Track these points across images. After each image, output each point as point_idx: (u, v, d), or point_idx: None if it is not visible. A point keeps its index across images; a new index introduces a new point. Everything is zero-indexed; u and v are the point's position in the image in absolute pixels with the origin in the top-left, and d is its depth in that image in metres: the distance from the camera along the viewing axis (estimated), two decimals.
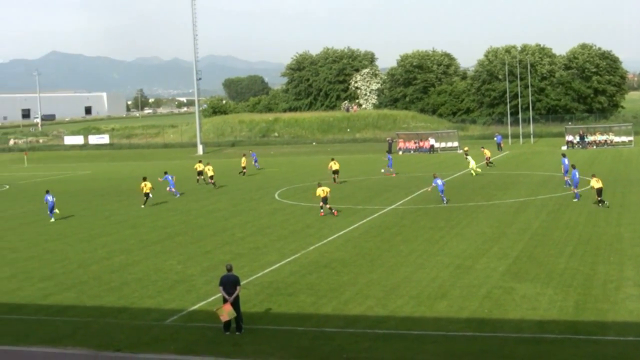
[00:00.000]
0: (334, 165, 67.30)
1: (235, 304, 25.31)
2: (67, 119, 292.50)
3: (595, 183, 48.07)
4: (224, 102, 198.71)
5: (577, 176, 51.74)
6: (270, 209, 53.88)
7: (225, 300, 25.31)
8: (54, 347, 24.87)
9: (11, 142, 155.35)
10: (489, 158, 77.10)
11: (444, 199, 52.20)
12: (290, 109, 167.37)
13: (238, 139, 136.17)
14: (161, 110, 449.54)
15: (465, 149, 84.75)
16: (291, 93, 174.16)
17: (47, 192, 55.01)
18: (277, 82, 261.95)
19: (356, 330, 25.20)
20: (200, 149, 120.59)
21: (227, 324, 25.24)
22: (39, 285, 33.69)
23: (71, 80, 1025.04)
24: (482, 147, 79.83)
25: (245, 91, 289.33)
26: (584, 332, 24.09)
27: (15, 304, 30.70)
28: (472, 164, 70.43)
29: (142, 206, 57.57)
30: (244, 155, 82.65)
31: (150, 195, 58.19)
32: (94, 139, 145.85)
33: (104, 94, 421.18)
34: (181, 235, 44.79)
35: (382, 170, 73.63)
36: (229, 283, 25.52)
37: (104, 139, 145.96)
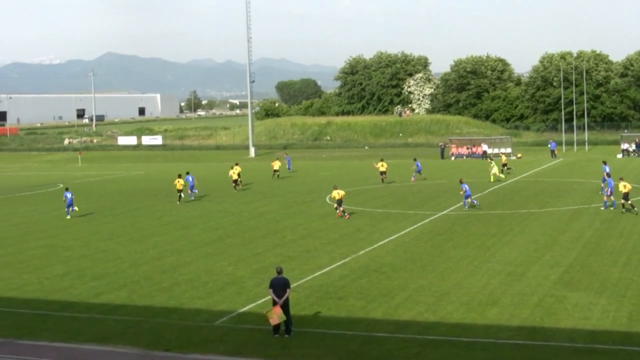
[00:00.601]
0: (382, 167, 68.77)
1: (285, 307, 25.33)
2: (116, 119, 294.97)
3: (623, 188, 48.47)
4: (276, 104, 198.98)
5: (612, 184, 51.03)
6: (321, 212, 53.88)
7: (275, 303, 25.34)
8: (105, 345, 25.10)
9: (66, 141, 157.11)
10: (505, 164, 76.89)
11: (474, 202, 52.70)
12: (343, 113, 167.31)
13: (290, 142, 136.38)
14: (214, 112, 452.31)
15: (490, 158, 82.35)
16: (344, 97, 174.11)
17: (67, 189, 56.20)
18: (330, 86, 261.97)
19: (406, 335, 25.10)
20: (252, 152, 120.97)
21: (277, 327, 25.26)
22: (91, 283, 34.02)
23: (125, 81, 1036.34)
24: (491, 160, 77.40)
25: (298, 94, 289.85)
26: (638, 344, 23.76)
27: (68, 301, 31.02)
28: (495, 169, 70.08)
29: (178, 203, 60.28)
30: (277, 158, 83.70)
31: (182, 194, 60.83)
32: (147, 140, 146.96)
33: (158, 95, 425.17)
34: (232, 237, 44.96)
35: (413, 179, 71.74)
36: (279, 286, 25.55)
37: (157, 140, 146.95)
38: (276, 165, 79.75)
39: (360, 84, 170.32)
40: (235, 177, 69.14)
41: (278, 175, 79.01)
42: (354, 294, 30.34)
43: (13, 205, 63.96)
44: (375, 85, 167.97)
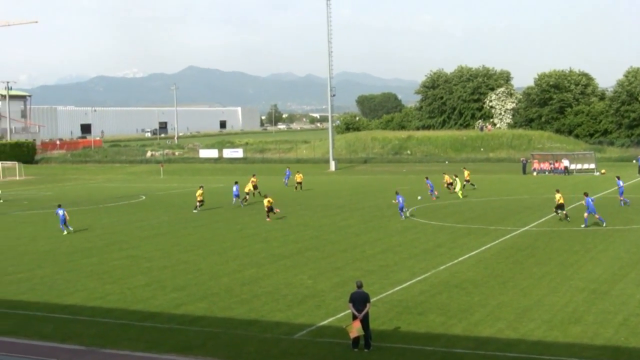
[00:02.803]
0: (449, 179, 72.66)
1: (365, 321, 25.26)
2: (186, 133, 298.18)
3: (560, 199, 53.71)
4: (357, 118, 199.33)
5: (592, 203, 51.53)
6: (401, 227, 53.66)
7: (354, 317, 25.29)
8: (184, 355, 25.31)
9: (148, 154, 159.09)
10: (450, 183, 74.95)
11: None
12: (424, 127, 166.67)
13: (370, 156, 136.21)
14: (294, 125, 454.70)
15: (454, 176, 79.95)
16: (425, 111, 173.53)
17: (59, 206, 56.65)
18: (410, 100, 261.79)
19: (486, 352, 24.82)
20: (332, 165, 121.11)
21: (356, 341, 25.20)
22: (171, 294, 34.36)
23: (207, 94, 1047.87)
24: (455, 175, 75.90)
25: (379, 108, 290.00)
26: None
27: (149, 312, 31.37)
28: (458, 186, 71.67)
29: (194, 211, 64.98)
30: (298, 172, 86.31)
31: (201, 203, 65.80)
32: (228, 153, 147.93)
33: (239, 109, 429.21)
34: (312, 250, 45.02)
35: (419, 198, 68.22)
36: (359, 300, 25.49)
37: (238, 153, 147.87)
38: (298, 178, 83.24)
39: (441, 98, 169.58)
40: (248, 187, 72.40)
41: (301, 188, 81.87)
42: (434, 310, 30.12)
43: (97, 216, 65.02)
44: (456, 99, 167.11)
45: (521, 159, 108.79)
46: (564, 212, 53.73)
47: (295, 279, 36.78)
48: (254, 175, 77.24)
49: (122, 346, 26.55)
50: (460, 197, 70.58)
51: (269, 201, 59.28)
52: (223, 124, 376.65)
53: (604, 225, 50.63)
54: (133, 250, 46.92)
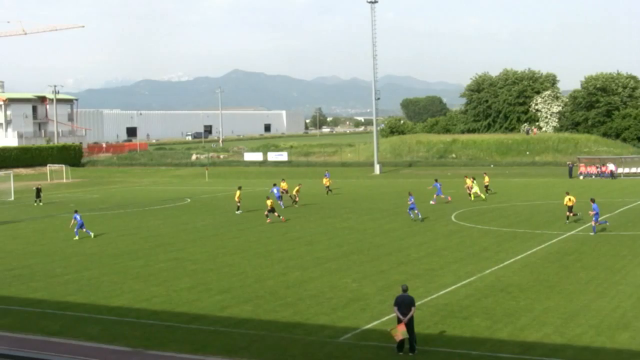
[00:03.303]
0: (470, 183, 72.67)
1: (410, 325, 25.19)
2: (231, 136, 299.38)
3: (568, 201, 55.15)
4: (401, 122, 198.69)
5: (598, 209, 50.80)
6: (447, 230, 53.47)
7: (399, 321, 25.23)
8: (230, 358, 25.38)
9: (193, 157, 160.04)
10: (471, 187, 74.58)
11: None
12: (469, 131, 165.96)
13: (415, 160, 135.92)
14: (339, 129, 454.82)
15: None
16: (470, 114, 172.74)
17: (76, 211, 56.62)
18: (455, 103, 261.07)
19: (532, 357, 24.64)
20: (377, 169, 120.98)
21: (401, 344, 25.14)
22: (217, 297, 34.50)
23: (252, 97, 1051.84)
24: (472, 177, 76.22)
25: (423, 111, 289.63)
26: None
27: (195, 314, 31.52)
28: (475, 189, 72.25)
29: (237, 212, 66.40)
30: (283, 180, 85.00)
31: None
32: (272, 156, 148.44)
33: (283, 112, 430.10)
34: (356, 253, 44.97)
35: (432, 202, 69.74)
36: (404, 303, 25.43)
37: (283, 156, 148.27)
38: (326, 182, 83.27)
39: (486, 101, 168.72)
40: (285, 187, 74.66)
41: (331, 191, 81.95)
42: (479, 314, 29.96)
43: (143, 219, 65.49)
44: (501, 102, 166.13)
45: (567, 162, 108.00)
46: (572, 213, 55.33)
47: (340, 282, 36.76)
48: (283, 180, 77.59)
49: (167, 348, 26.70)
50: (472, 199, 71.41)
51: (271, 203, 60.76)
52: (268, 127, 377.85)
53: (607, 224, 51.34)
54: (178, 252, 47.19)
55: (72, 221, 55.42)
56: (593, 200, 51.68)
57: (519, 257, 42.23)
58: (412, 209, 58.84)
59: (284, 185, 75.24)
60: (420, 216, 58.29)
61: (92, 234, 54.93)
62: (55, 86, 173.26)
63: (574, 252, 43.45)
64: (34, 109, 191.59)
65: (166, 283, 37.87)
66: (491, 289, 34.22)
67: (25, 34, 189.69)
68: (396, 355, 25.09)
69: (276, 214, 60.73)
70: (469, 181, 74.64)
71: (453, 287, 34.97)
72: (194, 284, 37.58)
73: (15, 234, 56.80)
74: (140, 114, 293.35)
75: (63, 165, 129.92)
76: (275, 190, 70.66)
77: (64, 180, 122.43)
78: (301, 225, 58.04)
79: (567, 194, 56.61)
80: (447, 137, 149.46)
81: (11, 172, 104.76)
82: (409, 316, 25.20)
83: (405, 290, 25.97)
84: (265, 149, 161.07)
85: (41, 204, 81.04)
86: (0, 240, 55.44)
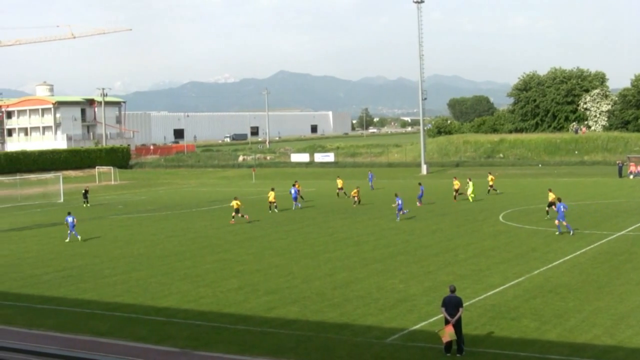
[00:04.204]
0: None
1: (457, 326, 25.05)
2: (277, 137, 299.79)
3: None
4: (448, 122, 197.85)
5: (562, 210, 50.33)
6: (494, 230, 53.10)
7: (447, 322, 25.10)
8: (277, 359, 25.40)
9: (240, 158, 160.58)
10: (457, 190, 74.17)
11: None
12: (516, 130, 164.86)
13: (462, 160, 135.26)
14: (385, 129, 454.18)
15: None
16: (517, 114, 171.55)
17: (69, 213, 57.05)
18: (502, 103, 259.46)
19: (582, 359, 24.35)
20: (424, 169, 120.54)
21: (449, 346, 25.00)
22: (264, 298, 34.56)
23: (298, 98, 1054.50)
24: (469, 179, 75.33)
25: (470, 111, 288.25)
26: None
27: (242, 315, 31.60)
28: (470, 190, 72.19)
29: (270, 211, 68.45)
30: (339, 177, 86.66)
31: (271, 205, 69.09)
32: (319, 157, 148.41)
33: (330, 113, 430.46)
34: (403, 254, 44.82)
35: (418, 204, 69.87)
36: (452, 304, 25.29)
37: (329, 157, 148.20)
38: (340, 183, 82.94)
39: (534, 100, 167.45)
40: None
41: (345, 194, 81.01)
42: (528, 315, 29.70)
43: (190, 220, 65.81)
44: (549, 102, 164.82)
45: (617, 161, 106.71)
46: (550, 208, 57.27)
47: (387, 283, 36.66)
48: (296, 182, 77.81)
49: (215, 349, 26.80)
50: (471, 200, 71.55)
51: (237, 203, 62.34)
52: (314, 128, 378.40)
53: (572, 234, 49.65)
54: (225, 253, 47.36)
55: (65, 223, 56.63)
56: (560, 200, 51.74)
57: (568, 257, 41.80)
58: (400, 210, 60.08)
59: (297, 185, 76.17)
60: (399, 218, 60.02)
61: (78, 238, 55.63)
62: (103, 89, 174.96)
63: (624, 252, 42.91)
64: (83, 112, 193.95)
65: (213, 284, 38.02)
66: (540, 290, 33.91)
67: (74, 37, 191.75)
68: (444, 357, 24.95)
69: (240, 214, 62.25)
70: (456, 183, 74.91)
71: (501, 287, 34.71)
72: (241, 284, 37.69)
73: (64, 235, 57.33)
74: (187, 115, 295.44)
75: (111, 167, 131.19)
76: (292, 191, 72.65)
77: (112, 182, 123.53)
78: (348, 226, 57.98)
79: (550, 190, 59.07)
80: (495, 137, 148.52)
81: (60, 174, 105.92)
82: (456, 317, 25.06)
83: (452, 291, 25.83)
84: (311, 150, 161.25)
85: (88, 205, 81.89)
86: (50, 241, 56.08)
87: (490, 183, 78.72)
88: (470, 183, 73.16)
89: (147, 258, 46.78)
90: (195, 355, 26.27)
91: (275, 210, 68.61)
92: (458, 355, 24.98)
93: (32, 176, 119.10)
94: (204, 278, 39.71)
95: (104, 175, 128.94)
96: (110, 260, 46.33)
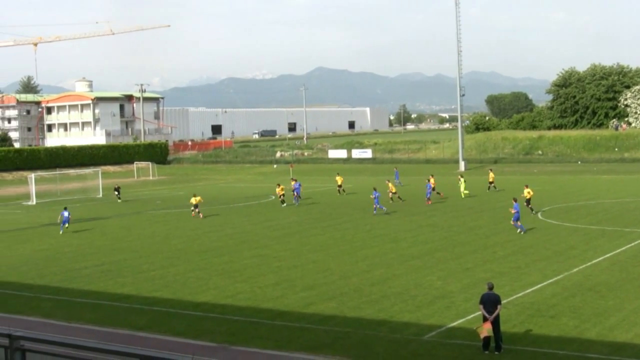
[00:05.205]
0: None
1: (495, 323, 24.92)
2: (306, 133, 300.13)
3: (527, 194, 59.60)
4: (486, 118, 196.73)
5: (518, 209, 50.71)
6: (533, 228, 52.72)
7: (485, 319, 24.97)
8: (314, 354, 25.43)
9: (278, 154, 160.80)
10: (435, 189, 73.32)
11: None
12: (555, 127, 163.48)
13: (500, 156, 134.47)
14: (423, 125, 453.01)
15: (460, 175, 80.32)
16: (556, 110, 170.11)
17: (65, 208, 58.52)
18: (541, 99, 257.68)
19: (622, 358, 24.15)
20: (462, 166, 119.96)
21: (487, 343, 24.88)
22: (301, 293, 34.59)
23: (335, 95, 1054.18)
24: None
25: (508, 108, 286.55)
26: None
27: (279, 310, 31.65)
28: (462, 187, 73.24)
29: (283, 205, 71.08)
30: (338, 174, 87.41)
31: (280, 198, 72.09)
32: (357, 153, 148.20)
33: (367, 109, 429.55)
34: (441, 251, 44.67)
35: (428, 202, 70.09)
36: (490, 301, 25.17)
37: (367, 153, 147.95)
38: (339, 180, 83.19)
39: (574, 97, 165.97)
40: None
41: (344, 191, 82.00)
42: (567, 313, 29.47)
43: (228, 216, 66.04)
44: (589, 98, 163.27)
45: None
46: (530, 206, 59.49)
47: (424, 280, 36.55)
48: (294, 179, 79.15)
49: (252, 344, 26.87)
50: (463, 197, 72.32)
51: (197, 199, 65.18)
52: (352, 125, 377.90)
53: (522, 233, 49.71)
54: (263, 249, 47.46)
55: (60, 217, 57.98)
56: (515, 200, 51.92)
57: (608, 255, 41.44)
58: (376, 202, 62.36)
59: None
60: (376, 212, 62.16)
61: (61, 232, 57.26)
62: (142, 85, 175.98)
63: None
64: (122, 108, 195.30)
65: (251, 279, 38.11)
66: (579, 288, 33.65)
67: (113, 34, 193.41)
68: (482, 354, 24.84)
69: (197, 209, 65.01)
70: (491, 175, 78.30)
71: (539, 285, 34.48)
72: (278, 280, 37.75)
73: (103, 230, 57.76)
74: (225, 111, 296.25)
75: (149, 163, 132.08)
76: (297, 185, 74.90)
77: (150, 178, 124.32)
78: (386, 223, 57.88)
79: (526, 187, 61.12)
80: (533, 134, 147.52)
81: (99, 169, 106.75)
82: (494, 314, 24.94)
83: (490, 288, 25.71)
84: (349, 146, 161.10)
85: (119, 200, 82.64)
86: (90, 236, 56.53)
87: (490, 180, 78.55)
88: (462, 180, 74.44)
89: (185, 253, 47.01)
90: (232, 350, 26.35)
91: (283, 205, 71.43)
92: (496, 352, 24.85)
93: (72, 171, 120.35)
94: (241, 273, 39.83)
95: (142, 171, 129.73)
96: (148, 255, 46.61)
